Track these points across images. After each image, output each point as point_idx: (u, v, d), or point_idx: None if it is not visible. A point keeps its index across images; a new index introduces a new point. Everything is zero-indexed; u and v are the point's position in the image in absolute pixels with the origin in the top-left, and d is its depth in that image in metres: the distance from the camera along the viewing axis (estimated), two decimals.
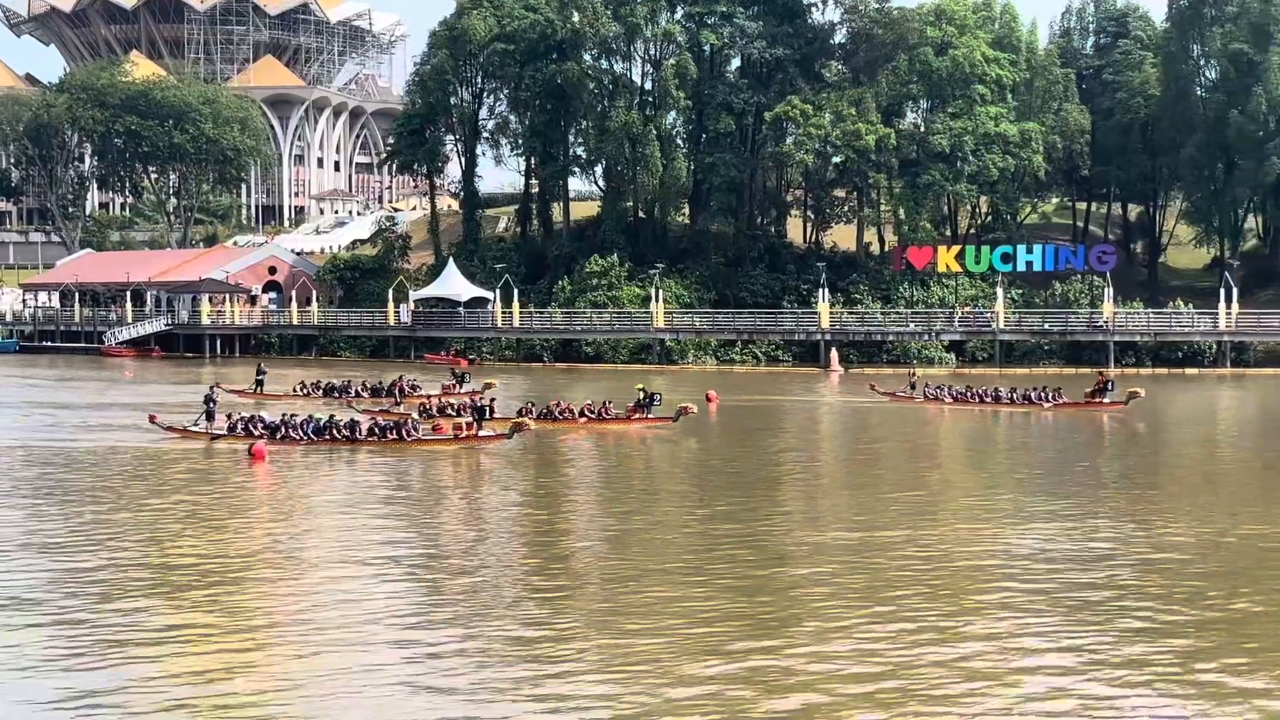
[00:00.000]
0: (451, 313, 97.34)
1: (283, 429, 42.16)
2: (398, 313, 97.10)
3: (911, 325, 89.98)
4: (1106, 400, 55.25)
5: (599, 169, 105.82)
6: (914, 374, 65.36)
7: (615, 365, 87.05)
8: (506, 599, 21.08)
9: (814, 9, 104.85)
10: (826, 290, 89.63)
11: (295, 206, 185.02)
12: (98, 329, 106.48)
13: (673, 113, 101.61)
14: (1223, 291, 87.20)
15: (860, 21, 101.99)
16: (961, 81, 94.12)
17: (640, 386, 51.27)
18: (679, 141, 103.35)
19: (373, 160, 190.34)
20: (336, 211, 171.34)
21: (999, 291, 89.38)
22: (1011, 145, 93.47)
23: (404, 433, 41.29)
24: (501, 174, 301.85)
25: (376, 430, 42.12)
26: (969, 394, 58.79)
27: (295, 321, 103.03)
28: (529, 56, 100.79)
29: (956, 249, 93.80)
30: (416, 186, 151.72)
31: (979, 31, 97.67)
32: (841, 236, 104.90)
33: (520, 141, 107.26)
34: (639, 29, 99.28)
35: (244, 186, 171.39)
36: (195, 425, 44.32)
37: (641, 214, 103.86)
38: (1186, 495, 33.21)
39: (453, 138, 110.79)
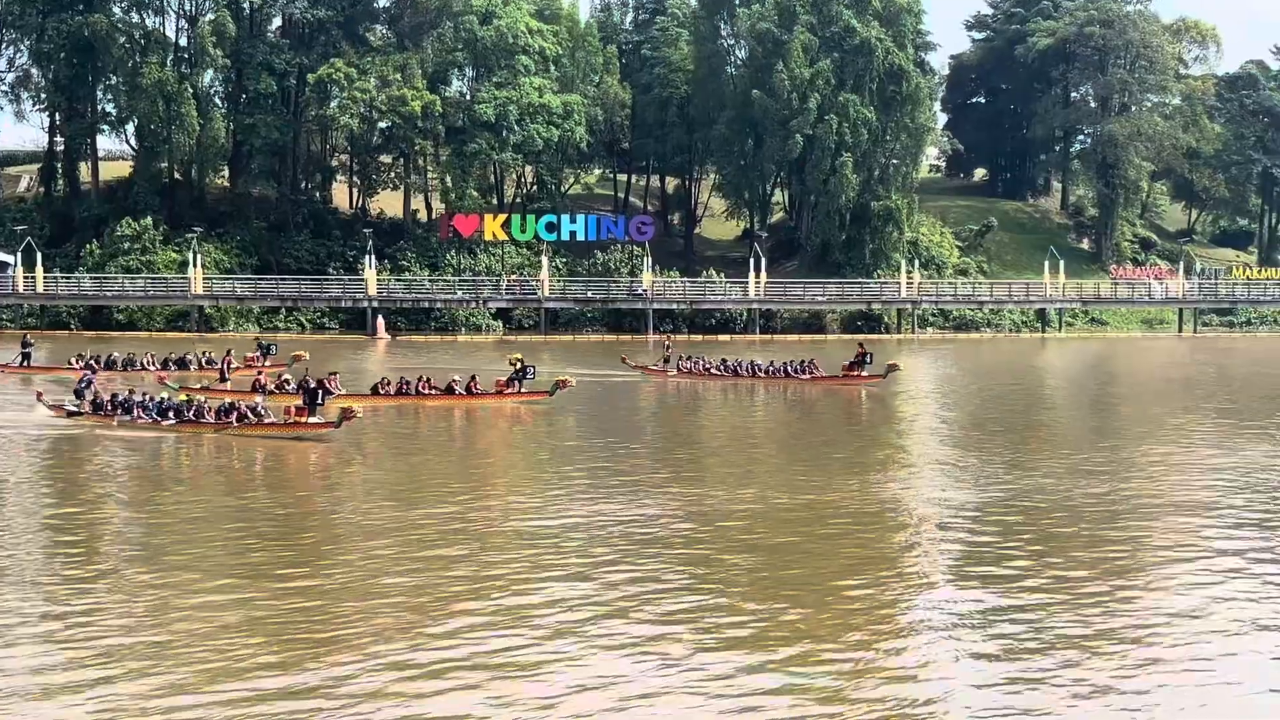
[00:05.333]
0: None
1: (136, 409, 37.42)
2: None
3: (459, 293, 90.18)
4: (864, 373, 53.55)
5: (130, 128, 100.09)
6: (668, 346, 62.72)
7: (150, 333, 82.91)
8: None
9: None
10: (373, 257, 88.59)
11: None
12: None
13: (210, 71, 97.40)
14: (752, 262, 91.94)
15: None
16: (506, 51, 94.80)
17: (518, 357, 47.96)
18: (217, 101, 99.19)
19: None
20: None
21: (544, 260, 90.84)
22: (555, 116, 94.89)
23: (236, 417, 36.14)
24: (22, 130, 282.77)
25: (222, 413, 36.79)
26: (724, 367, 56.58)
27: None
28: (52, 7, 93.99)
29: (503, 218, 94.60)
30: None
31: (522, 2, 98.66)
32: (388, 203, 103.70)
33: (43, 96, 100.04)
34: None
35: None
36: (72, 404, 39.52)
37: (178, 175, 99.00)
38: (828, 463, 34.26)
39: None
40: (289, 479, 30.92)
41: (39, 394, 41.35)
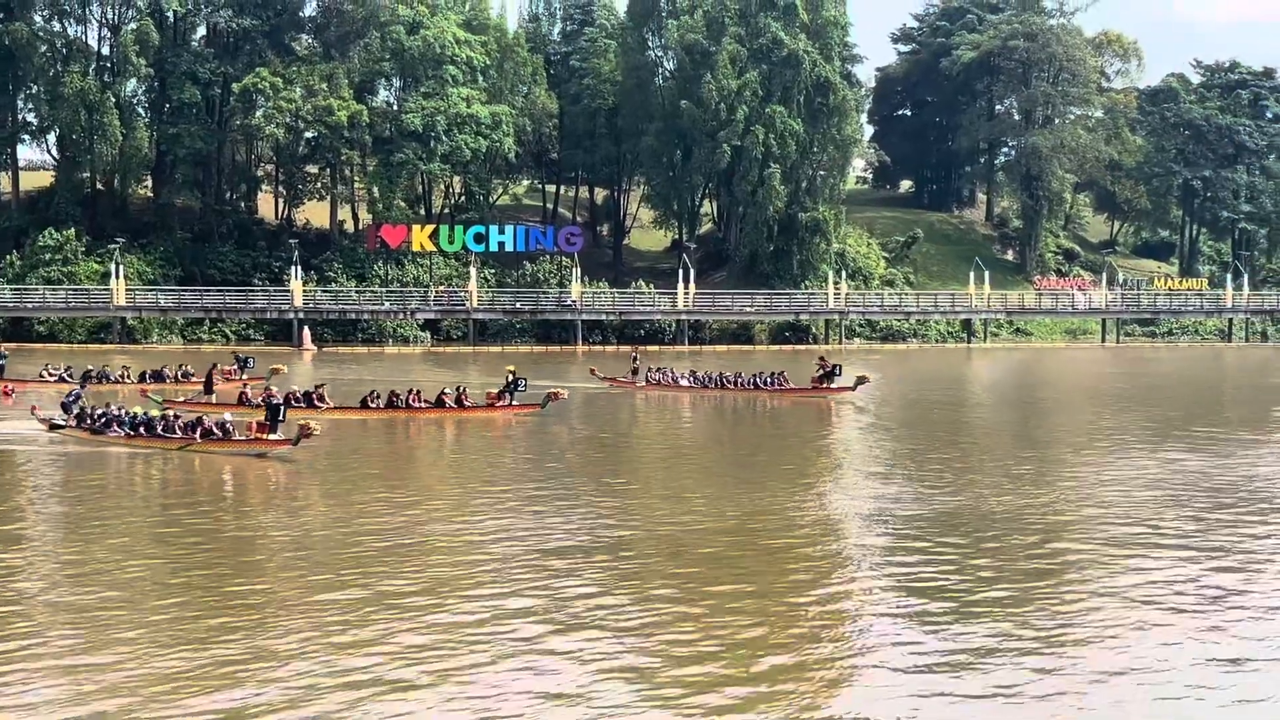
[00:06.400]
0: None
1: (113, 424, 36.56)
2: None
3: (386, 304, 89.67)
4: (834, 385, 52.89)
5: (52, 137, 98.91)
6: (637, 358, 62.23)
7: (72, 345, 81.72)
8: None
9: None
10: (299, 268, 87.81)
11: None
12: None
13: (133, 81, 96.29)
14: (681, 273, 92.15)
15: None
16: (433, 61, 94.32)
17: (512, 369, 47.45)
18: (140, 111, 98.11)
19: None
20: None
21: (472, 271, 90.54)
22: (483, 127, 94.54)
23: (201, 433, 35.09)
24: None
25: (189, 428, 35.67)
26: (693, 379, 56.27)
27: None
28: None
29: (430, 228, 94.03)
30: None
31: (450, 13, 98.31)
32: (315, 214, 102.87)
33: None
34: None
35: None
36: (60, 418, 38.57)
37: (100, 186, 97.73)
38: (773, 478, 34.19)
39: None
40: (240, 496, 30.29)
41: (33, 407, 40.56)
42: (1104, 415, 48.36)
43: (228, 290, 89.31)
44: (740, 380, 55.25)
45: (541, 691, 15.17)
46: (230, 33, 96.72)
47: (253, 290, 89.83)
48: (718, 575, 21.00)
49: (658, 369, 58.19)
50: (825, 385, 53.31)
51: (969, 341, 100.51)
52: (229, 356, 60.13)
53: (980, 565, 21.71)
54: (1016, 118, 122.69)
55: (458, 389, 45.61)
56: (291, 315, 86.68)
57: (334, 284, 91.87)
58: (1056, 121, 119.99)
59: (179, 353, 77.09)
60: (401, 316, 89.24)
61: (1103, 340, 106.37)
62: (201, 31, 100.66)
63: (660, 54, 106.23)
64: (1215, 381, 70.43)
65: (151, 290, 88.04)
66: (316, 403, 43.58)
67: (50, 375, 54.70)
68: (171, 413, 37.68)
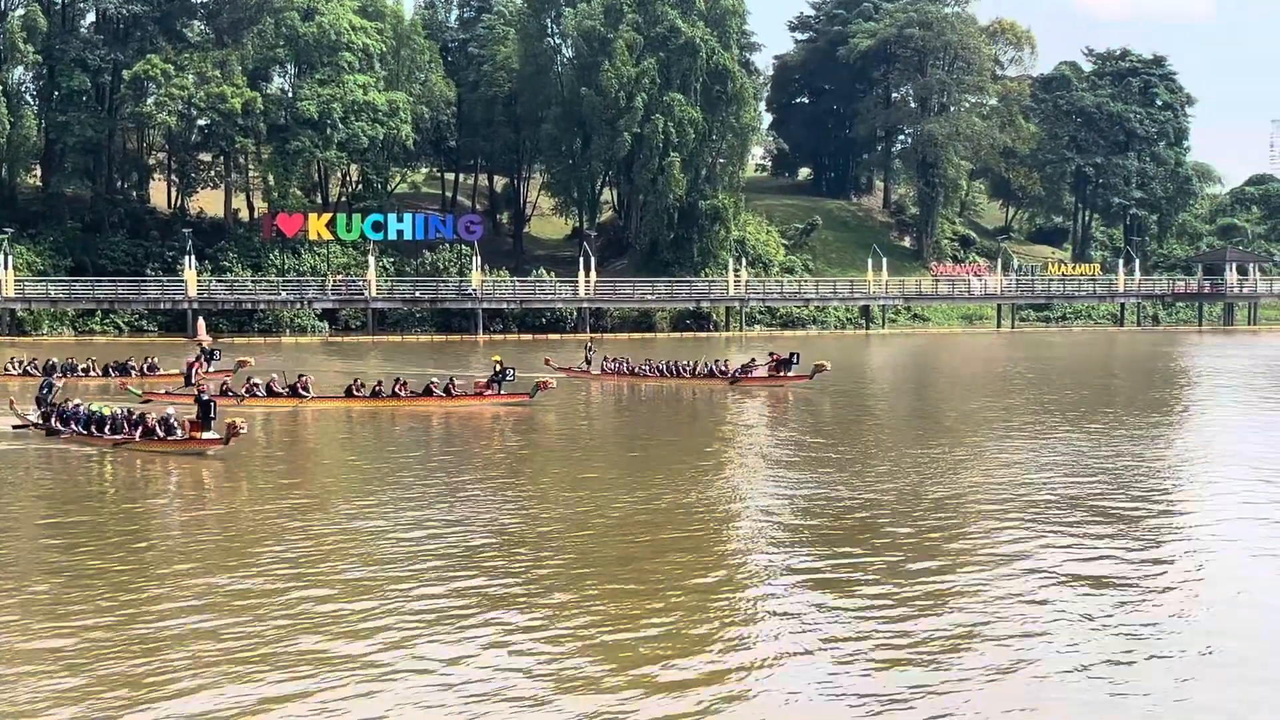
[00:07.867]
0: None
1: (70, 421, 35.32)
2: None
3: (283, 293, 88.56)
4: (791, 374, 52.39)
5: None
6: (590, 346, 61.48)
7: None
8: None
9: None
10: (193, 257, 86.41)
11: None
12: None
13: (20, 68, 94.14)
14: (582, 261, 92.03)
15: None
16: (328, 48, 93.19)
17: (498, 358, 47.05)
18: (28, 99, 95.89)
19: None
20: None
21: (371, 260, 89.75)
22: (380, 114, 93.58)
23: (141, 432, 33.67)
24: None
25: (133, 426, 34.17)
26: (648, 368, 55.50)
27: None
28: None
29: (328, 217, 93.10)
30: None
31: None
32: (209, 202, 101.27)
33: None
34: None
35: None
36: (33, 415, 37.34)
37: None
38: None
39: None
40: (176, 494, 29.37)
41: (11, 402, 39.41)
42: (1005, 400, 49.03)
43: (120, 281, 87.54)
44: (697, 369, 54.92)
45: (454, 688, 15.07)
46: (120, 19, 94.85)
47: (146, 280, 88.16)
48: (638, 565, 21.00)
49: (613, 358, 57.83)
50: (782, 374, 53.03)
51: (867, 328, 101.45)
52: (196, 348, 59.08)
53: (891, 551, 21.89)
54: (913, 105, 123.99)
55: (447, 379, 45.19)
56: (186, 305, 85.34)
57: (229, 274, 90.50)
58: (952, 109, 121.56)
59: (72, 345, 75.52)
60: (299, 306, 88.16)
61: (998, 325, 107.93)
62: (91, 18, 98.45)
63: (559, 41, 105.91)
64: (1108, 365, 71.60)
65: (41, 281, 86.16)
66: (301, 391, 43.24)
67: (14, 369, 53.55)
68: (122, 409, 36.58)
